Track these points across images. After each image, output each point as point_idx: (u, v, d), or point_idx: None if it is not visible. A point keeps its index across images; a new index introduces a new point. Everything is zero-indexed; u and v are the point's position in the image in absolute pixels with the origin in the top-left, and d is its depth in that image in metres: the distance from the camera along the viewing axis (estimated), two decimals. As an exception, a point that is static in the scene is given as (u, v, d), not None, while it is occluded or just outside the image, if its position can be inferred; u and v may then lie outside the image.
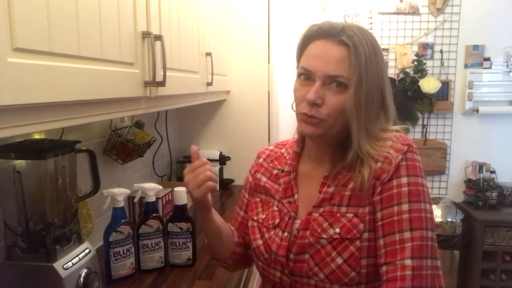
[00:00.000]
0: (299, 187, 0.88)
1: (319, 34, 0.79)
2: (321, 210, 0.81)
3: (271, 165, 0.96)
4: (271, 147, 1.00)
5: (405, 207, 0.74)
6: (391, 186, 0.75)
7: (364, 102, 0.76)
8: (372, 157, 0.77)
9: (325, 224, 0.79)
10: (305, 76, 0.80)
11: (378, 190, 0.76)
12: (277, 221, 0.86)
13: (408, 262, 0.70)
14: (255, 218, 0.92)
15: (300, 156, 0.92)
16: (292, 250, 0.82)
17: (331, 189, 0.81)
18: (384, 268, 0.73)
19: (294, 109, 0.85)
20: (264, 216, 0.90)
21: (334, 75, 0.76)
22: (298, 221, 0.84)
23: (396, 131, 0.82)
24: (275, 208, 0.89)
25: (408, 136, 0.83)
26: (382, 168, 0.76)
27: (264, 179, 0.94)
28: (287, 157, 0.93)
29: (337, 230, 0.77)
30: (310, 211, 0.82)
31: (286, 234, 0.83)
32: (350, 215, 0.78)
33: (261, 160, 0.98)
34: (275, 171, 0.93)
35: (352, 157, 0.78)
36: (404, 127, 0.85)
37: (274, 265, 0.84)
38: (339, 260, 0.76)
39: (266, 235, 0.87)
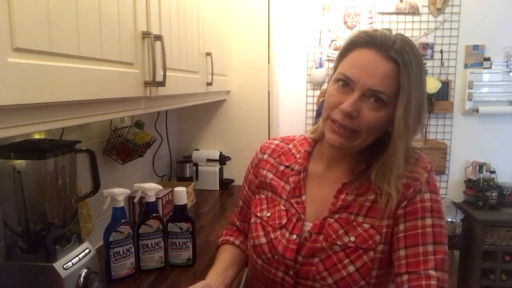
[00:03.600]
0: (307, 187, 0.87)
1: (368, 42, 0.75)
2: (337, 216, 0.81)
3: (277, 160, 0.93)
4: (276, 142, 0.97)
5: (428, 221, 0.76)
6: (415, 201, 0.77)
7: (411, 123, 0.75)
8: (401, 180, 0.77)
9: (341, 231, 0.79)
10: (344, 82, 0.76)
11: (403, 204, 0.78)
12: (283, 221, 0.84)
13: (432, 272, 0.72)
14: (258, 214, 0.90)
15: (311, 155, 0.90)
16: (301, 253, 0.80)
17: (350, 198, 0.81)
18: (405, 277, 0.73)
19: (318, 108, 0.85)
20: (269, 214, 0.87)
21: (377, 90, 0.73)
22: (309, 224, 0.82)
23: (417, 149, 0.84)
24: (282, 207, 0.87)
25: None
26: (408, 184, 0.78)
27: (270, 175, 0.92)
28: (297, 156, 0.90)
29: (353, 238, 0.78)
30: (326, 216, 0.81)
31: (295, 236, 0.81)
32: (366, 226, 0.78)
33: (265, 156, 0.95)
34: (282, 168, 0.91)
35: (378, 176, 0.78)
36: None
37: (277, 265, 0.83)
38: (351, 268, 0.76)
39: (272, 235, 0.85)
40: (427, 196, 0.77)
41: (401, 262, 0.75)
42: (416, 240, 0.75)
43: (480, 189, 2.72)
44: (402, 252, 0.75)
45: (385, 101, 0.74)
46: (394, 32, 0.77)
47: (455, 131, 2.88)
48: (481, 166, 2.76)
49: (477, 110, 2.78)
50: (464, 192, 2.88)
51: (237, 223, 1.05)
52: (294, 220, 0.83)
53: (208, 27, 1.77)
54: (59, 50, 0.69)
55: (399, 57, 0.72)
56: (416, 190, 0.77)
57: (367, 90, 0.73)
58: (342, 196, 0.81)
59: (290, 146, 0.94)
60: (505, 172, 2.83)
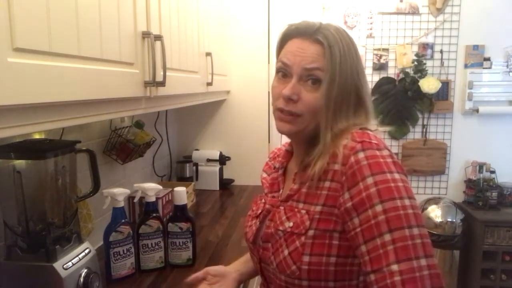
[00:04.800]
0: (286, 183, 0.92)
1: (296, 33, 0.82)
2: (286, 204, 0.85)
3: (272, 162, 1.01)
4: (279, 146, 1.05)
5: (378, 208, 0.68)
6: (359, 190, 0.71)
7: (334, 101, 0.77)
8: (327, 153, 0.76)
9: (284, 217, 0.83)
10: (283, 73, 0.82)
11: (347, 196, 0.72)
12: (259, 212, 0.92)
13: (394, 267, 0.65)
14: (253, 209, 0.98)
15: (292, 153, 0.95)
16: (262, 238, 0.87)
17: (295, 186, 0.84)
18: (372, 276, 0.68)
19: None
20: (255, 208, 0.96)
21: (311, 67, 0.77)
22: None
23: (363, 128, 0.79)
24: (262, 201, 0.94)
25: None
26: (340, 170, 0.74)
27: (264, 175, 1.01)
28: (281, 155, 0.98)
29: (291, 224, 0.80)
30: (278, 205, 0.87)
31: (258, 223, 0.89)
32: (303, 212, 0.80)
33: (268, 159, 1.05)
34: (273, 168, 0.99)
35: (317, 153, 0.79)
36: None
37: (252, 252, 0.92)
38: (285, 252, 0.79)
39: (249, 224, 0.94)
40: (370, 180, 0.69)
41: (364, 259, 0.70)
42: (372, 232, 0.68)
43: (480, 189, 2.72)
44: (363, 248, 0.70)
45: (321, 80, 0.77)
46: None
47: (455, 131, 2.88)
48: (481, 166, 2.76)
49: (477, 110, 2.78)
50: (464, 192, 2.88)
51: None
52: (265, 211, 0.90)
53: (208, 27, 1.77)
54: (59, 50, 0.69)
55: (323, 38, 0.77)
56: (348, 175, 0.72)
57: (302, 71, 0.78)
58: (292, 186, 0.85)
59: (288, 148, 1.00)
60: (505, 172, 2.83)
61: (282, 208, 0.85)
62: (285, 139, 1.04)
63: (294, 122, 0.80)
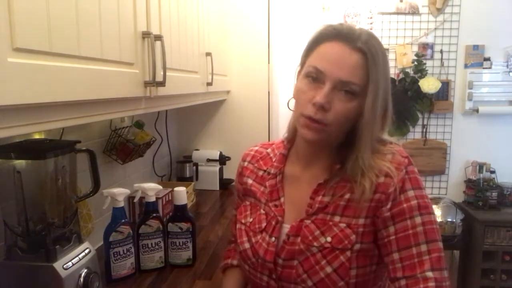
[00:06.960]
0: (285, 189, 0.87)
1: (335, 35, 0.76)
2: (314, 217, 0.80)
3: (256, 165, 0.94)
4: (256, 148, 0.98)
5: (418, 220, 0.74)
6: (399, 201, 0.75)
7: (378, 112, 0.76)
8: (373, 171, 0.76)
9: (317, 232, 0.78)
10: (314, 77, 0.76)
11: (388, 206, 0.75)
12: (263, 225, 0.85)
13: (429, 274, 0.70)
14: (243, 221, 0.91)
15: (287, 157, 0.90)
16: (281, 256, 0.81)
17: (326, 199, 0.80)
18: (403, 281, 0.72)
19: (291, 107, 0.83)
20: (251, 220, 0.89)
21: (347, 81, 0.74)
22: (286, 226, 0.82)
23: (395, 143, 0.82)
24: (262, 211, 0.87)
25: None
26: (386, 182, 0.76)
27: (250, 181, 0.93)
28: (274, 159, 0.91)
29: (329, 239, 0.77)
30: (302, 218, 0.81)
31: (273, 239, 0.82)
32: (342, 225, 0.77)
33: (246, 163, 0.97)
34: (261, 173, 0.92)
35: (353, 169, 0.77)
36: (396, 138, 0.87)
37: (261, 269, 0.83)
38: (329, 269, 0.76)
39: (253, 239, 0.85)
40: (411, 193, 0.75)
41: (396, 266, 0.73)
42: (408, 241, 0.73)
43: (480, 189, 2.72)
44: (395, 256, 0.73)
45: (355, 92, 0.74)
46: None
47: (455, 131, 2.88)
48: (481, 166, 2.76)
49: (477, 110, 2.78)
50: (464, 192, 2.88)
51: (233, 231, 1.03)
52: (273, 223, 0.84)
53: (208, 27, 1.77)
54: (59, 50, 0.69)
55: (366, 48, 0.74)
56: (398, 189, 0.75)
57: (338, 82, 0.74)
58: (319, 198, 0.81)
59: (269, 150, 0.95)
60: (505, 172, 2.82)
61: (308, 221, 0.80)
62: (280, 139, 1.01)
63: (321, 131, 0.76)
